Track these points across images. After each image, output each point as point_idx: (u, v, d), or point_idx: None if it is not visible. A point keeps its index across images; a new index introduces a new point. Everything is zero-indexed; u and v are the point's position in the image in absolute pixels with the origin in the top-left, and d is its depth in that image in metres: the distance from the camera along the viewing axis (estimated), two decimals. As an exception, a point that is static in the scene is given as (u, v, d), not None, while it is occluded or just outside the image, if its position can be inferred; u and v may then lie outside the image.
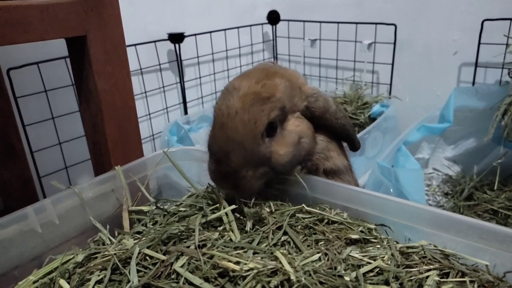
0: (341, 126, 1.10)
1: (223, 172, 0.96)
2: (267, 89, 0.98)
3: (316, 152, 1.10)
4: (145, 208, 1.15)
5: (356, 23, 2.60)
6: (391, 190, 1.57)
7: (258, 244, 0.87)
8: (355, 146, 1.16)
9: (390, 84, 2.60)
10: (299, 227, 0.93)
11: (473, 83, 2.26)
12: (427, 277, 0.76)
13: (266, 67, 1.11)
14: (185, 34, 2.32)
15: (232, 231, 0.89)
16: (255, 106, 0.95)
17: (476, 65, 2.22)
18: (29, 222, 1.00)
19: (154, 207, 1.15)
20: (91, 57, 1.19)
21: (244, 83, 0.99)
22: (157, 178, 1.35)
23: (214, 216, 0.95)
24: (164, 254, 0.86)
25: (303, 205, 1.00)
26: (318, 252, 0.83)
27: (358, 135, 2.08)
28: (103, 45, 1.21)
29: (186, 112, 2.53)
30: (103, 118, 1.26)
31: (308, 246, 0.88)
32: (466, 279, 0.75)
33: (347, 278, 0.75)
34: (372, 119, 2.37)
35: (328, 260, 0.81)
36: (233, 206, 0.96)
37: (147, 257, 0.87)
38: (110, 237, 1.05)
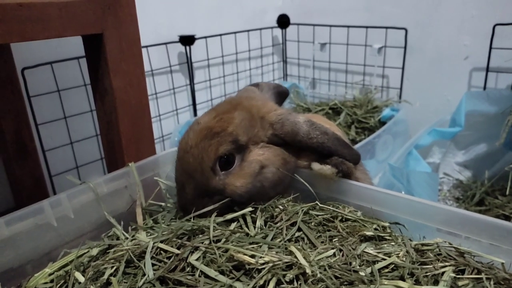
0: (319, 146, 1.03)
1: (182, 203, 1.04)
2: (220, 124, 1.01)
3: None
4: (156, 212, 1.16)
5: (366, 27, 2.61)
6: (403, 192, 1.56)
7: (272, 239, 0.87)
8: (348, 160, 1.05)
9: (400, 89, 2.60)
10: (312, 223, 0.94)
11: (484, 88, 2.25)
12: (443, 273, 0.75)
13: (233, 98, 1.15)
14: (195, 37, 2.35)
15: (247, 227, 0.90)
16: (204, 141, 0.99)
17: (487, 70, 2.21)
18: (44, 216, 1.01)
19: (168, 204, 1.16)
20: (107, 55, 1.20)
21: (206, 118, 1.04)
22: (168, 177, 1.36)
23: (230, 216, 0.95)
24: (178, 249, 0.86)
25: (317, 202, 1.00)
26: (333, 248, 0.83)
27: (368, 139, 2.08)
28: (119, 43, 1.22)
29: (195, 114, 2.55)
30: (117, 116, 1.27)
31: (322, 242, 0.88)
32: (483, 275, 0.75)
33: (362, 274, 0.75)
34: (382, 123, 2.37)
35: (342, 256, 0.81)
36: (250, 209, 0.97)
37: (161, 251, 0.88)
38: (124, 232, 1.06)
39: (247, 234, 0.89)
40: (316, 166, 1.02)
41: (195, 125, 1.04)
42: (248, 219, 0.94)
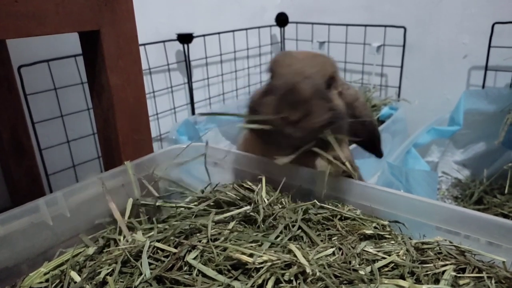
0: (366, 120, 1.12)
1: (291, 101, 0.89)
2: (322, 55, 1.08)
3: None
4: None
5: (365, 25, 2.60)
6: (401, 191, 1.55)
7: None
8: (379, 151, 1.15)
9: (399, 87, 2.60)
10: (311, 222, 0.93)
11: (483, 87, 2.25)
12: (444, 272, 0.75)
13: None
14: (194, 35, 2.33)
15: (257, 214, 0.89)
16: (318, 58, 1.04)
17: (486, 68, 2.20)
18: (40, 214, 1.00)
19: (163, 202, 1.15)
20: (104, 52, 1.19)
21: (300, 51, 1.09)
22: (166, 175, 1.35)
23: (231, 213, 0.94)
24: (175, 248, 0.85)
25: (315, 200, 0.99)
26: (332, 247, 0.82)
27: (367, 137, 2.07)
28: (116, 40, 1.21)
29: (193, 113, 2.53)
30: (114, 113, 1.26)
31: (321, 241, 0.87)
32: (484, 274, 0.74)
33: (362, 272, 0.74)
34: (381, 121, 2.36)
35: (342, 254, 0.80)
36: (248, 208, 0.96)
37: (158, 251, 0.87)
38: (123, 231, 1.05)
39: (255, 221, 0.89)
40: (321, 163, 1.03)
41: (292, 53, 1.04)
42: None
